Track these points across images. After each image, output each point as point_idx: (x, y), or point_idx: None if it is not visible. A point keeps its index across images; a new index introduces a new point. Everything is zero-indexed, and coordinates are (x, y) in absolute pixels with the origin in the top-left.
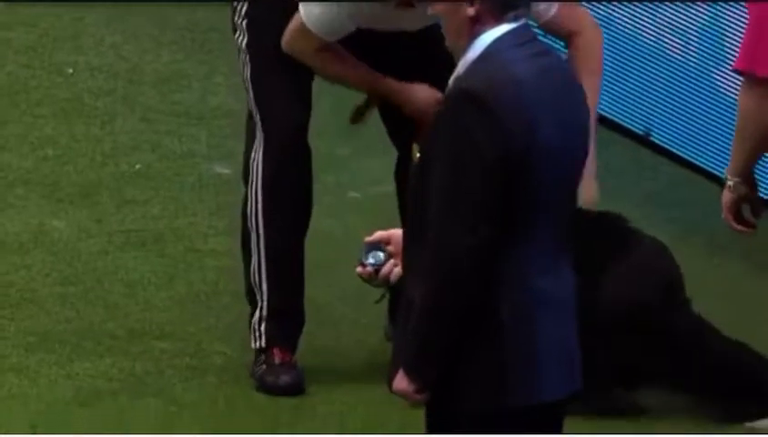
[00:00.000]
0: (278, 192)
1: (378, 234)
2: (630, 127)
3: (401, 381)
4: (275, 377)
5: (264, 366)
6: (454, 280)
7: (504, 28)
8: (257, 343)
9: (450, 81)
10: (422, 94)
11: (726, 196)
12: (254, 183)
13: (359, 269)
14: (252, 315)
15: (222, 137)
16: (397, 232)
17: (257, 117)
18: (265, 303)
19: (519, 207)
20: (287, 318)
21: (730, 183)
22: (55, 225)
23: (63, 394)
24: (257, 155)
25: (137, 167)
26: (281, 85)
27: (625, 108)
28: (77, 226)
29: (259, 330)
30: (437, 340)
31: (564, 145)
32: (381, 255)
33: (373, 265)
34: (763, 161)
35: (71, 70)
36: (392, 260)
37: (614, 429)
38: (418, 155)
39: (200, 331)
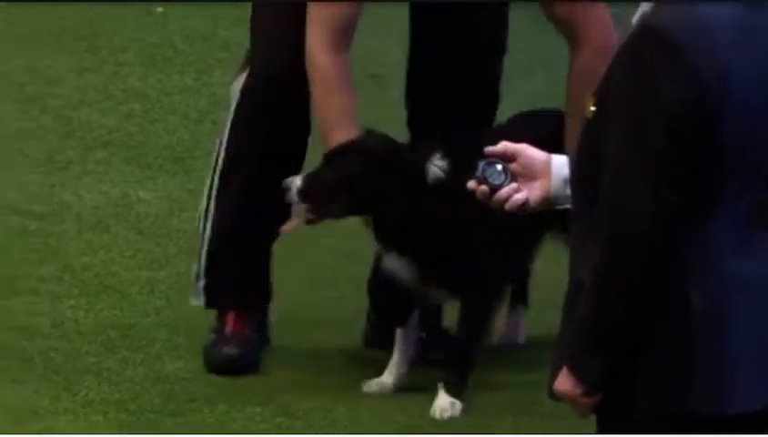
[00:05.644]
0: (247, 126)
1: (504, 145)
2: None
3: (565, 381)
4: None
5: None
6: (631, 254)
7: None
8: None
9: (634, 19)
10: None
11: None
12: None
13: (473, 183)
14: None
15: None
16: (528, 149)
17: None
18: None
19: (709, 170)
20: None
21: None
22: (141, 196)
23: (150, 401)
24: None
25: None
26: (276, 19)
27: None
28: (168, 197)
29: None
30: (609, 327)
31: (764, 97)
32: (501, 171)
33: (489, 184)
34: None
35: (161, 9)
36: (514, 184)
37: None
38: (592, 108)
39: (315, 325)
